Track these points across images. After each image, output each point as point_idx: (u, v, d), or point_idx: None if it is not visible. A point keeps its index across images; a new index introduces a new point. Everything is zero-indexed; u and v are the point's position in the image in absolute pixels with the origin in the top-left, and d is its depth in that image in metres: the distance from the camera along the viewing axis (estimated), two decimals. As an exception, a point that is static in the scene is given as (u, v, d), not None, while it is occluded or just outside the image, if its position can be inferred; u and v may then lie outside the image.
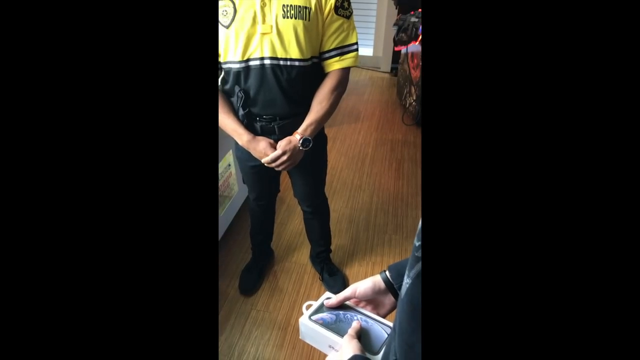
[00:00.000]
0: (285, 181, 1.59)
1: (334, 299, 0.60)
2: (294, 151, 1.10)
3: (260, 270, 1.66)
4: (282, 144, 1.10)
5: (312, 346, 1.53)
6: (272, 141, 1.12)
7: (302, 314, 0.62)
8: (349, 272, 1.69)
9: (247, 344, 1.41)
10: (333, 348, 0.57)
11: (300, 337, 0.61)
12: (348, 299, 0.60)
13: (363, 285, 0.60)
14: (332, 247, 1.68)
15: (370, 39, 3.85)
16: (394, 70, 3.77)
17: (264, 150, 1.10)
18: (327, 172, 1.40)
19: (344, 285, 1.60)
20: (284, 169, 1.15)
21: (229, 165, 1.74)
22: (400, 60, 3.18)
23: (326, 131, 1.28)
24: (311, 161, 1.23)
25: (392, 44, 3.66)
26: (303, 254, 1.78)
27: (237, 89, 1.07)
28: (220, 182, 1.69)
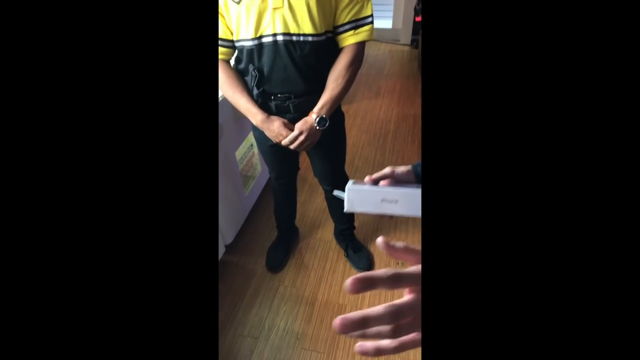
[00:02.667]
0: (305, 159, 1.59)
1: (374, 175, 0.58)
2: (311, 131, 1.09)
3: (286, 247, 1.70)
4: (298, 125, 1.09)
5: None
6: (285, 121, 1.11)
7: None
8: (373, 248, 1.71)
9: (276, 318, 1.45)
10: (386, 200, 0.55)
11: (345, 210, 0.57)
12: (387, 176, 0.58)
13: (401, 168, 0.58)
14: (356, 224, 1.69)
15: (389, 10, 3.72)
16: (414, 42, 3.65)
17: (278, 130, 1.10)
18: (348, 149, 1.39)
19: (369, 261, 1.62)
20: (302, 149, 1.14)
21: (252, 145, 1.75)
22: (420, 32, 3.07)
23: (346, 108, 1.27)
24: (329, 140, 1.21)
25: (412, 15, 3.53)
26: (327, 231, 1.80)
27: (250, 67, 1.06)
28: (243, 163, 1.71)
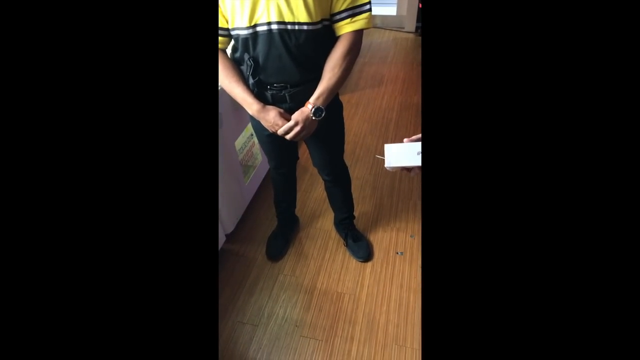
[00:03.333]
0: (306, 149, 1.59)
1: (412, 137, 0.66)
2: (307, 121, 1.08)
3: (286, 236, 1.71)
4: (295, 115, 1.08)
5: (337, 308, 1.55)
6: (281, 110, 1.10)
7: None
8: (373, 237, 1.71)
9: (275, 306, 1.47)
10: (422, 153, 0.63)
11: (385, 166, 0.66)
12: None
13: None
14: (356, 213, 1.70)
15: (393, -4, 3.66)
16: (419, 30, 3.59)
17: (274, 120, 1.09)
18: (350, 139, 1.38)
19: (369, 251, 1.62)
20: (298, 140, 1.14)
21: (251, 135, 1.75)
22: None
23: (348, 97, 1.25)
24: (327, 130, 1.20)
25: (416, 2, 3.46)
26: (327, 221, 1.80)
27: (246, 56, 1.04)
28: (243, 153, 1.71)
